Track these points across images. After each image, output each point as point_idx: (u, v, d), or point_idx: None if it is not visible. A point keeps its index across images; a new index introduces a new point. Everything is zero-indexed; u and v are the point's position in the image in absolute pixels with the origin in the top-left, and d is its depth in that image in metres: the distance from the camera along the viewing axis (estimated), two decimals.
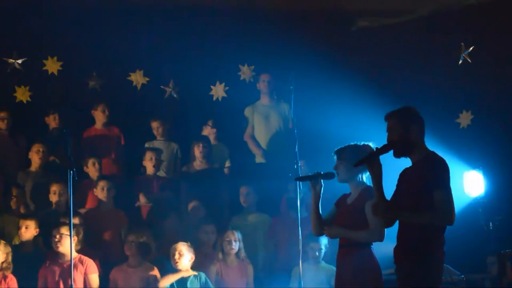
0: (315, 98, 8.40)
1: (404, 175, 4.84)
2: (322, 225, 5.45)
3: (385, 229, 5.17)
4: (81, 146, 8.54)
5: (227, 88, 9.09)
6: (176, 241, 7.19)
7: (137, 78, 9.01)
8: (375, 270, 5.26)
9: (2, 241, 7.04)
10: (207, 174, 8.28)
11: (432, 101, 8.43)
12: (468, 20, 8.96)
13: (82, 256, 7.06)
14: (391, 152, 4.77)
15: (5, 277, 6.94)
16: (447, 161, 4.71)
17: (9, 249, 7.00)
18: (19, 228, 7.33)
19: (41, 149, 8.11)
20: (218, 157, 8.63)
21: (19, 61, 8.75)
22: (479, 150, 8.49)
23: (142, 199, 8.15)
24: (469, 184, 8.26)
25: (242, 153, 8.76)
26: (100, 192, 7.81)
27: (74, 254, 6.94)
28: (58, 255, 7.03)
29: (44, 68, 8.85)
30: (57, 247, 6.99)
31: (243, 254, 7.41)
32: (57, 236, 6.97)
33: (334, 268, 7.03)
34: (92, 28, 8.58)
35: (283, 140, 8.51)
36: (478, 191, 8.23)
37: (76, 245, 7.01)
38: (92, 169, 8.15)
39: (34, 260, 7.13)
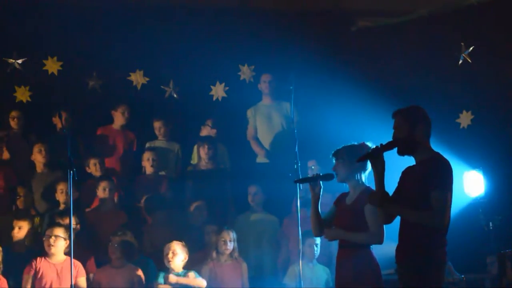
0: (315, 98, 8.40)
1: (407, 174, 4.84)
2: (322, 226, 5.46)
3: (386, 229, 5.17)
4: (92, 144, 8.55)
5: (227, 88, 9.09)
6: (169, 241, 7.19)
7: (137, 78, 9.01)
8: (374, 271, 5.26)
9: None
10: (212, 174, 8.29)
11: (432, 101, 8.40)
12: (468, 20, 8.95)
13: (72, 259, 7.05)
14: (395, 149, 4.78)
15: None
16: (447, 160, 4.72)
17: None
18: (12, 228, 7.32)
19: (42, 149, 8.11)
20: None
21: (19, 61, 8.75)
22: (479, 150, 8.49)
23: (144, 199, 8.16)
24: (469, 184, 8.26)
25: (243, 153, 8.76)
26: (102, 192, 7.83)
27: (63, 256, 6.94)
28: (48, 256, 7.00)
29: (44, 68, 8.84)
30: (49, 248, 6.97)
31: (236, 253, 7.43)
32: (52, 237, 6.95)
33: (328, 270, 7.14)
34: (92, 28, 8.58)
35: (285, 140, 8.52)
36: (478, 191, 8.23)
37: (66, 247, 6.98)
38: (93, 168, 8.17)
39: (25, 261, 7.11)
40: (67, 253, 7.02)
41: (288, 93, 7.72)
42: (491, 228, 8.10)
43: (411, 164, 4.86)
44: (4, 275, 6.99)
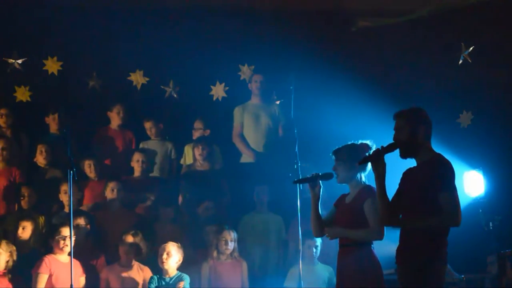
0: (315, 98, 8.40)
1: (408, 175, 4.84)
2: (322, 226, 5.46)
3: (386, 229, 5.17)
4: (91, 145, 8.55)
5: (227, 88, 9.09)
6: (165, 242, 7.21)
7: (137, 78, 9.01)
8: (375, 270, 5.26)
9: (4, 241, 7.05)
10: (207, 175, 8.29)
11: (432, 101, 8.41)
12: (468, 20, 8.95)
13: (74, 259, 7.06)
14: (396, 151, 4.78)
15: (9, 277, 6.95)
16: (449, 160, 4.72)
17: (12, 247, 7.00)
18: (17, 228, 7.33)
19: (43, 149, 8.11)
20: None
21: (19, 61, 8.75)
22: (479, 150, 8.49)
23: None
24: (469, 184, 8.25)
25: (236, 153, 8.77)
26: (110, 193, 7.86)
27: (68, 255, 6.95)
28: (57, 255, 7.02)
29: (44, 68, 8.85)
30: (63, 248, 6.98)
31: (236, 253, 7.43)
32: (60, 237, 6.97)
33: (331, 268, 7.13)
34: (92, 28, 8.57)
35: (271, 141, 8.54)
36: (478, 191, 8.22)
37: (75, 246, 6.99)
38: (88, 170, 8.18)
39: (31, 261, 7.12)
40: (73, 252, 7.06)
41: (288, 93, 7.72)
42: (491, 228, 8.09)
43: (412, 166, 4.86)
44: (9, 275, 7.00)
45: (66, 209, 7.73)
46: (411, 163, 4.85)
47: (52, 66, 8.85)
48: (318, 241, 7.22)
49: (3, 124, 8.40)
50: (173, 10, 8.93)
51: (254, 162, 8.54)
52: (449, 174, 4.65)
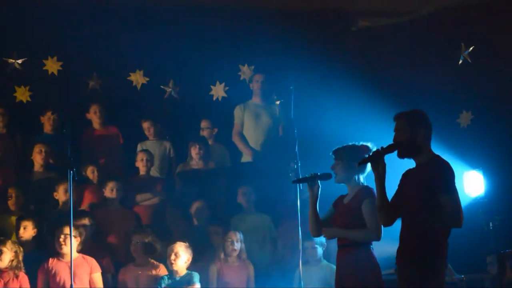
0: (315, 98, 8.40)
1: (408, 176, 4.85)
2: (320, 227, 5.46)
3: (386, 229, 5.17)
4: (81, 147, 8.55)
5: (227, 88, 9.09)
6: (173, 242, 7.21)
7: (137, 78, 9.01)
8: (374, 270, 5.26)
9: (9, 240, 7.06)
10: (202, 174, 8.29)
11: (432, 101, 8.41)
12: (468, 20, 8.95)
13: (85, 256, 7.09)
14: (395, 152, 4.78)
15: (16, 276, 6.95)
16: (447, 161, 4.72)
17: (17, 247, 7.01)
18: (18, 228, 7.33)
19: (43, 149, 8.11)
20: (216, 157, 8.64)
21: (19, 61, 8.75)
22: (479, 150, 8.48)
23: (138, 199, 8.16)
24: (469, 184, 8.25)
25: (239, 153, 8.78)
26: (109, 192, 7.85)
27: (75, 254, 6.96)
28: (60, 255, 7.04)
29: (44, 68, 8.85)
30: (61, 247, 6.99)
31: (244, 254, 7.42)
32: (61, 237, 6.98)
33: (334, 267, 7.12)
34: (92, 28, 8.58)
35: (271, 141, 8.54)
36: (478, 191, 8.22)
37: (78, 245, 7.03)
38: (91, 175, 8.19)
39: (33, 260, 7.13)
40: (79, 251, 7.12)
41: (288, 93, 7.72)
42: (491, 228, 8.09)
43: (411, 167, 4.86)
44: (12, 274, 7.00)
45: (61, 208, 7.73)
46: (411, 164, 4.85)
47: (52, 66, 8.85)
48: (318, 242, 7.21)
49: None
50: (173, 10, 8.93)
51: (252, 162, 8.54)
52: (449, 175, 4.65)
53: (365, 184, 5.39)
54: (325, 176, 5.44)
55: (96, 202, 8.08)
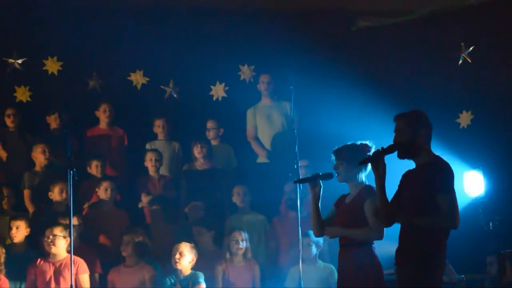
0: (315, 98, 8.40)
1: (407, 177, 4.85)
2: (322, 226, 5.46)
3: (386, 229, 5.17)
4: (84, 145, 8.56)
5: (227, 88, 9.09)
6: (177, 242, 7.20)
7: (137, 78, 9.01)
8: (376, 269, 5.26)
9: None
10: (208, 174, 8.29)
11: (432, 101, 8.42)
12: (468, 20, 8.95)
13: (73, 256, 7.06)
14: (395, 153, 4.78)
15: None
16: (447, 161, 4.72)
17: (2, 250, 6.99)
18: (10, 228, 7.32)
19: (46, 149, 8.11)
20: (223, 157, 8.64)
21: (19, 61, 8.75)
22: (479, 150, 8.49)
23: (144, 200, 8.15)
24: (469, 184, 8.25)
25: (243, 153, 8.76)
26: (103, 192, 7.83)
27: (65, 254, 6.95)
28: (50, 255, 7.02)
29: (44, 68, 8.85)
30: (50, 247, 6.97)
31: (250, 254, 7.42)
32: (50, 237, 6.96)
33: (332, 267, 7.12)
34: (92, 28, 8.58)
35: (286, 140, 8.53)
36: (478, 191, 8.22)
37: (67, 246, 7.00)
38: (95, 170, 8.17)
39: (25, 261, 7.12)
40: (68, 251, 7.03)
41: (288, 93, 7.72)
42: (491, 228, 8.09)
43: (411, 168, 4.86)
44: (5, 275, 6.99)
45: (54, 208, 7.73)
46: (411, 165, 4.85)
47: (52, 66, 8.85)
48: (314, 239, 7.20)
49: (11, 124, 8.42)
50: (173, 10, 8.93)
51: (269, 162, 8.54)
52: (448, 176, 4.66)
53: (367, 182, 5.39)
54: (327, 176, 5.44)
55: (94, 201, 8.08)
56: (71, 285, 6.43)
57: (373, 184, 4.91)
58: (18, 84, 8.78)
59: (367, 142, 5.40)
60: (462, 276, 7.44)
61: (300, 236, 6.61)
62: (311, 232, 6.56)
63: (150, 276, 7.19)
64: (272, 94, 8.75)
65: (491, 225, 8.10)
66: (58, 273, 6.94)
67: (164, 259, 7.40)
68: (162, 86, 9.10)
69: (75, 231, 7.14)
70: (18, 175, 8.17)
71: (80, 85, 8.93)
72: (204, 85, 9.06)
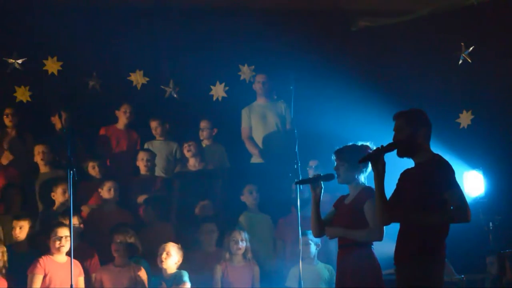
0: (315, 98, 8.40)
1: (406, 176, 4.85)
2: (322, 227, 5.46)
3: (386, 230, 5.17)
4: (96, 143, 8.57)
5: (227, 88, 9.09)
6: (170, 241, 7.20)
7: (137, 78, 9.01)
8: (375, 270, 5.25)
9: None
10: (201, 175, 8.29)
11: (432, 101, 8.43)
12: (468, 20, 8.96)
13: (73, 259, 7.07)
14: (394, 151, 4.78)
15: (3, 278, 6.94)
16: (447, 160, 4.73)
17: (3, 248, 6.99)
18: (13, 228, 7.32)
19: (42, 150, 8.10)
20: (215, 157, 8.65)
21: (19, 61, 8.75)
22: (479, 150, 8.49)
23: (140, 200, 8.17)
24: (469, 184, 8.26)
25: (242, 153, 8.76)
26: (107, 192, 7.82)
27: (64, 256, 6.94)
28: (54, 255, 7.01)
29: (44, 68, 8.84)
30: (59, 248, 6.97)
31: (250, 254, 7.40)
32: (63, 238, 6.97)
33: (331, 267, 7.13)
34: (92, 28, 8.58)
35: (281, 140, 8.54)
36: (478, 191, 8.23)
37: (69, 246, 7.00)
38: (92, 171, 8.18)
39: (29, 260, 7.12)
40: (67, 253, 7.02)
41: (288, 93, 7.72)
42: (491, 228, 8.10)
43: (410, 166, 4.86)
44: (6, 275, 6.98)
45: (56, 209, 7.72)
46: (410, 163, 4.85)
47: (52, 66, 8.85)
48: (311, 239, 7.20)
49: (9, 124, 8.42)
50: (174, 10, 8.93)
51: (263, 163, 8.54)
52: (450, 173, 4.66)
53: (366, 184, 5.39)
54: (328, 177, 5.44)
55: (97, 201, 8.07)
56: (71, 285, 6.43)
57: (373, 185, 4.91)
58: (18, 84, 8.78)
59: (368, 143, 5.40)
60: (462, 276, 7.44)
61: (300, 236, 6.61)
62: (310, 232, 6.57)
63: (140, 276, 7.16)
64: (267, 94, 8.74)
65: (491, 225, 8.11)
66: (60, 274, 6.92)
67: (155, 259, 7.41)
68: (162, 86, 9.10)
69: (75, 231, 7.16)
70: (19, 175, 8.16)
71: (80, 85, 8.92)
72: (204, 85, 9.06)
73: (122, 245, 7.16)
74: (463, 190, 4.66)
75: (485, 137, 8.72)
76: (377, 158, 4.76)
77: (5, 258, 6.97)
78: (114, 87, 9.05)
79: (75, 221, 7.27)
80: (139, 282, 7.13)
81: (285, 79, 7.92)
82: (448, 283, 7.12)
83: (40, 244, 7.27)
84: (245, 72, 9.13)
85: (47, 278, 6.94)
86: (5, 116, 8.41)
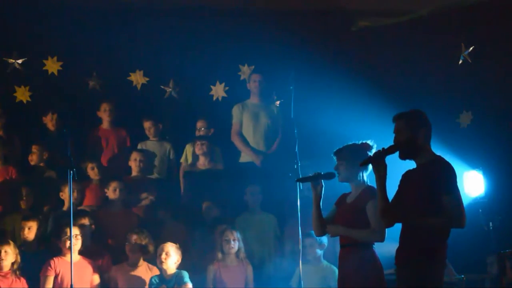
0: (315, 98, 8.40)
1: (408, 177, 4.85)
2: (323, 226, 5.46)
3: (387, 230, 5.17)
4: (86, 146, 8.54)
5: (227, 88, 9.09)
6: (174, 241, 7.22)
7: (137, 78, 9.01)
8: (377, 270, 5.26)
9: (12, 242, 7.06)
10: (209, 175, 8.29)
11: (432, 101, 8.42)
12: (468, 20, 8.95)
13: (85, 258, 7.10)
14: (395, 153, 4.78)
15: (18, 277, 6.99)
16: (449, 162, 4.73)
17: (17, 250, 7.03)
18: (22, 229, 7.33)
19: (35, 149, 8.09)
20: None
21: (19, 61, 8.75)
22: (479, 150, 8.48)
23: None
24: (469, 184, 8.25)
25: (237, 153, 8.77)
26: (112, 192, 7.85)
27: (77, 254, 6.97)
28: (65, 255, 7.03)
29: (44, 68, 8.84)
30: (66, 247, 6.99)
31: (242, 254, 7.40)
32: (65, 237, 6.98)
33: (335, 268, 7.11)
34: (92, 28, 8.58)
35: (271, 140, 8.54)
36: (478, 191, 8.22)
37: (80, 245, 7.04)
38: (91, 172, 8.18)
39: (37, 261, 7.13)
40: (81, 252, 7.13)
41: (288, 93, 7.72)
42: (491, 228, 8.09)
43: (411, 168, 4.86)
44: (13, 276, 7.01)
45: (65, 209, 7.72)
46: (411, 165, 4.85)
47: (52, 66, 8.85)
48: (321, 239, 7.20)
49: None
50: (173, 10, 8.93)
51: (253, 162, 8.53)
52: (451, 176, 4.66)
53: (369, 183, 5.39)
54: (329, 176, 5.44)
55: (96, 202, 8.06)
56: (71, 285, 6.44)
57: (374, 185, 4.91)
58: (18, 84, 8.77)
59: (368, 142, 5.40)
60: (462, 276, 7.44)
61: (300, 236, 6.61)
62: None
63: (154, 276, 7.19)
64: (261, 94, 8.74)
65: (491, 225, 8.10)
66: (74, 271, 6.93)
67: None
68: (162, 86, 9.09)
69: (86, 230, 7.16)
70: (22, 175, 8.15)
71: (80, 85, 8.92)
72: (204, 85, 9.06)
73: (137, 246, 7.20)
74: (461, 195, 4.65)
75: (485, 137, 8.72)
76: (378, 161, 4.76)
77: (19, 259, 6.98)
78: (114, 87, 9.04)
79: (86, 221, 7.31)
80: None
81: (285, 79, 7.92)
82: (448, 283, 7.11)
83: (49, 244, 7.29)
84: (245, 72, 9.13)
85: (59, 277, 7.01)
86: None
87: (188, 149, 8.62)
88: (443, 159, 4.74)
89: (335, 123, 7.90)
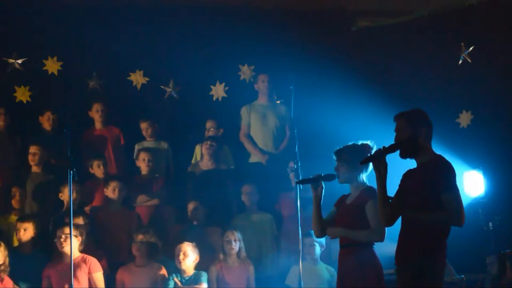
0: (315, 98, 8.40)
1: (409, 176, 4.85)
2: (324, 227, 5.46)
3: (386, 229, 5.17)
4: (81, 146, 8.54)
5: (227, 88, 9.09)
6: (180, 242, 7.21)
7: (137, 78, 9.01)
8: (376, 270, 5.26)
9: (2, 243, 7.04)
10: (213, 175, 8.28)
11: (432, 101, 8.42)
12: (468, 20, 8.95)
13: (85, 255, 7.10)
14: (396, 153, 4.78)
15: (1, 279, 6.94)
16: (449, 161, 4.73)
17: (6, 251, 7.00)
18: (17, 230, 7.31)
19: (34, 151, 8.08)
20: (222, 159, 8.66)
21: (19, 61, 8.75)
22: (479, 150, 8.49)
23: (139, 199, 8.15)
24: (469, 184, 8.25)
25: (243, 153, 8.76)
26: (111, 192, 7.83)
27: (77, 254, 6.97)
28: (62, 255, 7.03)
29: (44, 68, 8.84)
30: (62, 247, 6.99)
31: (243, 254, 7.41)
32: (62, 237, 6.98)
33: (333, 269, 7.12)
34: (92, 28, 8.57)
35: (279, 140, 8.54)
36: (478, 191, 8.23)
37: (79, 245, 7.03)
38: (97, 170, 8.17)
39: (33, 262, 7.12)
40: (81, 251, 7.13)
41: (288, 93, 7.72)
42: (491, 228, 8.09)
43: (412, 167, 4.86)
44: (12, 277, 6.99)
45: (65, 209, 7.72)
46: (412, 164, 4.85)
47: (52, 66, 8.85)
48: (318, 239, 7.20)
49: (1, 123, 8.39)
50: (174, 10, 8.93)
51: (262, 162, 8.53)
52: (451, 175, 4.66)
53: (368, 183, 5.39)
54: (329, 177, 5.44)
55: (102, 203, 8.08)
56: (71, 284, 6.44)
57: (374, 185, 4.91)
58: (18, 84, 8.77)
59: (368, 142, 5.40)
60: (462, 276, 7.44)
61: (300, 236, 6.61)
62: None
63: (161, 277, 7.19)
64: (270, 94, 8.74)
65: (491, 225, 8.10)
66: (75, 272, 6.92)
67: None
68: (162, 86, 9.10)
69: (84, 231, 7.17)
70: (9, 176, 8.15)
71: (80, 85, 8.92)
72: (204, 85, 9.06)
73: (143, 245, 7.19)
74: (460, 194, 4.66)
75: (485, 137, 8.72)
76: (378, 160, 4.76)
77: (7, 262, 6.97)
78: (114, 87, 9.04)
79: (80, 221, 7.33)
80: (160, 281, 7.16)
81: (285, 79, 7.92)
82: (448, 283, 7.12)
83: (46, 246, 7.28)
84: (245, 72, 9.13)
85: (59, 277, 7.01)
86: None
87: (197, 149, 8.61)
88: (443, 158, 4.75)
89: (335, 123, 7.91)
